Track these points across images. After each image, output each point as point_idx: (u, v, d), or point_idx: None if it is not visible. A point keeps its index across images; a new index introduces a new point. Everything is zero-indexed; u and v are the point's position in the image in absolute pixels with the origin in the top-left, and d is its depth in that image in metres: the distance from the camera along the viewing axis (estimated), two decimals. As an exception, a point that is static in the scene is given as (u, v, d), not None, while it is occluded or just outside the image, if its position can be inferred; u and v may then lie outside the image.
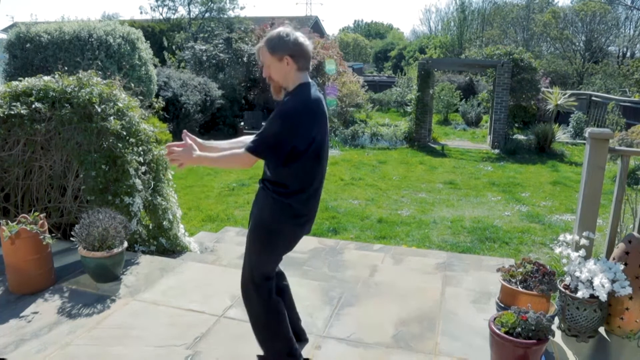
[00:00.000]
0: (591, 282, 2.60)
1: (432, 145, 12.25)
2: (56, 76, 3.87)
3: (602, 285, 2.54)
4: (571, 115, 13.59)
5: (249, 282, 2.29)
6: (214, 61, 14.04)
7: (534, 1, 29.28)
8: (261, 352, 2.38)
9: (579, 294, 2.61)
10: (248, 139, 2.20)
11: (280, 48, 2.12)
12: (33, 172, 4.01)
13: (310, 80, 2.22)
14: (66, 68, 4.29)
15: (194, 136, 2.30)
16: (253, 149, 2.10)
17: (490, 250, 5.28)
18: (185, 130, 2.35)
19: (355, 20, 67.93)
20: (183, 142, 2.21)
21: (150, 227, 4.11)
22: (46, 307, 3.01)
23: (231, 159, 2.20)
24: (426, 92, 12.20)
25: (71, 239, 3.36)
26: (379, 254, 4.77)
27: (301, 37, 2.16)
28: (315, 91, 2.18)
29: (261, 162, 2.23)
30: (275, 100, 2.24)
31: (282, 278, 2.51)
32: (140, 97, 4.28)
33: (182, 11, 24.72)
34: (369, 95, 18.56)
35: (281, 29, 2.16)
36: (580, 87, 21.10)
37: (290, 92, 2.16)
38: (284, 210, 2.17)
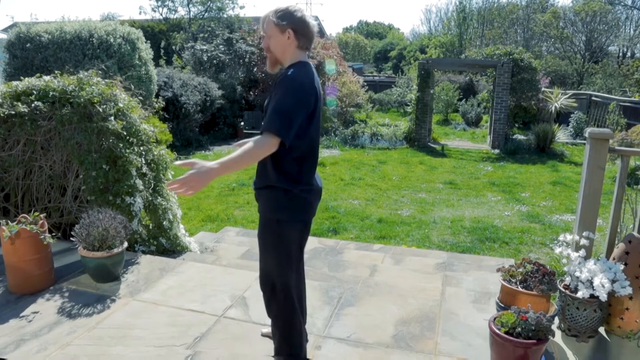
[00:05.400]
0: (591, 282, 2.60)
1: (432, 145, 12.26)
2: (57, 76, 3.88)
3: (602, 285, 2.54)
4: (571, 115, 13.59)
5: (268, 280, 2.28)
6: (214, 61, 14.05)
7: (534, 1, 29.28)
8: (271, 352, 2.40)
9: (579, 294, 2.61)
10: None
11: (285, 20, 2.11)
12: (33, 172, 4.01)
13: (309, 60, 2.21)
14: (67, 67, 4.29)
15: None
16: (277, 128, 1.96)
17: (490, 250, 5.28)
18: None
19: (359, 20, 68.07)
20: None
21: (151, 227, 4.11)
22: (46, 307, 3.01)
23: (256, 151, 1.98)
24: (426, 92, 12.21)
25: (71, 239, 3.35)
26: (379, 254, 4.77)
27: (308, 16, 2.17)
28: (315, 73, 2.18)
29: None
30: (271, 73, 2.22)
31: (303, 276, 2.47)
32: (140, 97, 4.28)
33: (181, 11, 24.73)
34: (369, 95, 18.58)
35: (291, 4, 2.16)
36: (580, 87, 21.11)
37: (292, 64, 2.14)
38: (285, 197, 2.14)
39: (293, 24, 2.11)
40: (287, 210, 2.16)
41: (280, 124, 1.99)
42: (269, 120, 2.01)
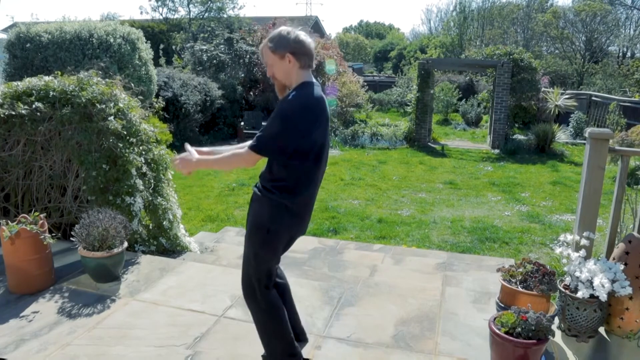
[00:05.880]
0: (591, 282, 2.60)
1: (432, 145, 12.26)
2: (57, 76, 3.88)
3: (602, 285, 2.54)
4: (571, 115, 13.59)
5: (249, 283, 2.30)
6: (214, 61, 14.05)
7: (534, 1, 29.28)
8: (264, 352, 2.39)
9: (579, 294, 2.61)
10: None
11: (282, 46, 2.13)
12: (33, 172, 4.01)
13: (313, 79, 2.22)
14: (68, 68, 4.30)
15: (195, 148, 2.38)
16: (256, 147, 2.09)
17: (490, 250, 5.28)
18: (186, 144, 2.41)
19: (360, 20, 68.18)
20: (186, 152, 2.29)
21: (151, 227, 4.11)
22: (46, 307, 3.01)
23: (233, 159, 2.22)
24: (426, 92, 12.21)
25: (71, 239, 3.35)
26: (379, 254, 4.77)
27: (302, 35, 2.17)
28: (318, 90, 2.18)
29: (261, 163, 2.23)
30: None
31: (282, 277, 2.52)
32: (140, 97, 4.28)
33: (181, 11, 24.75)
34: (369, 95, 18.58)
35: (282, 28, 2.18)
36: (580, 87, 21.10)
37: (295, 87, 2.16)
38: (281, 211, 2.17)
39: (290, 47, 2.12)
40: (279, 222, 2.19)
41: (264, 144, 2.09)
42: (256, 136, 2.11)
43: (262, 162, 2.24)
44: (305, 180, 2.18)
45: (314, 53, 2.23)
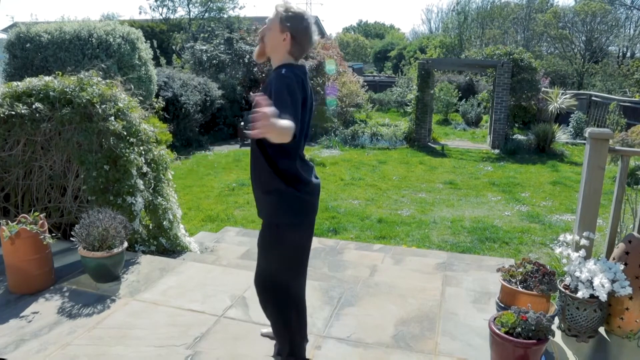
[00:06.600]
0: (591, 282, 2.60)
1: (432, 145, 12.25)
2: (57, 76, 3.88)
3: (602, 285, 2.54)
4: (571, 115, 13.59)
5: (265, 283, 2.27)
6: (214, 61, 14.04)
7: (534, 1, 29.28)
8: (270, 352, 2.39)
9: (579, 294, 2.61)
10: None
11: (290, 22, 2.08)
12: (33, 172, 4.01)
13: (298, 63, 2.19)
14: (69, 68, 4.30)
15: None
16: (292, 117, 1.89)
17: (490, 250, 5.28)
18: (254, 95, 1.89)
19: (359, 20, 68.24)
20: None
21: (151, 227, 4.11)
22: (46, 307, 3.01)
23: (287, 131, 1.84)
24: (426, 92, 12.21)
25: (71, 239, 3.35)
26: (379, 254, 4.77)
27: (314, 31, 2.15)
28: (307, 77, 2.14)
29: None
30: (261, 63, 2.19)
31: None
32: (140, 98, 4.28)
33: (181, 11, 24.75)
34: (369, 95, 18.58)
35: (305, 11, 2.13)
36: (580, 89, 21.09)
37: (283, 65, 2.10)
38: (286, 202, 2.12)
39: (294, 29, 2.08)
40: (286, 213, 2.14)
41: (293, 110, 1.91)
42: (284, 111, 1.86)
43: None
44: (297, 160, 2.14)
45: (308, 52, 2.21)
